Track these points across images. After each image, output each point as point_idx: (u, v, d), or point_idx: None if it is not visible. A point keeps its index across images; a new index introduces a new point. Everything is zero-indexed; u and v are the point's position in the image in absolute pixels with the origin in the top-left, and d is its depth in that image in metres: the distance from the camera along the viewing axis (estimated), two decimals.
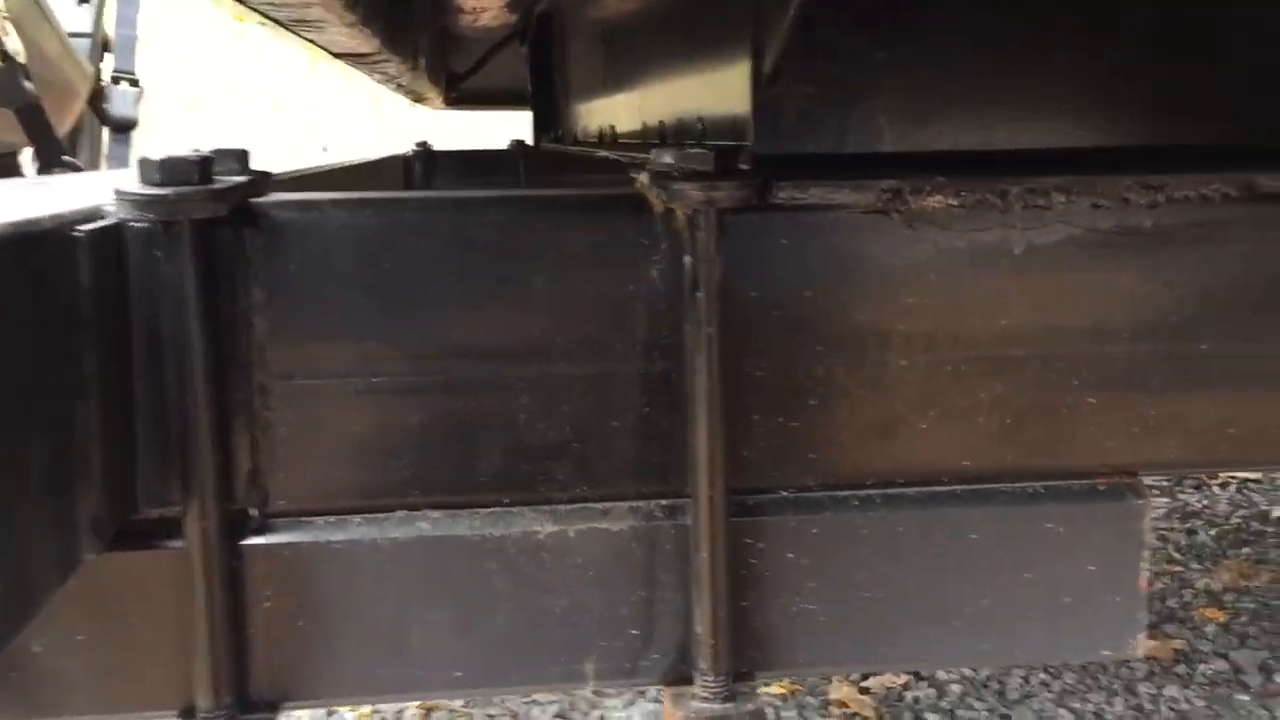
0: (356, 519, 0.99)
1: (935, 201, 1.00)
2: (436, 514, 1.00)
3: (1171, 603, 2.94)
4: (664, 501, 1.02)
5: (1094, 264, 1.03)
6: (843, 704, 2.55)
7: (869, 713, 2.52)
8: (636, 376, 1.00)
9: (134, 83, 3.64)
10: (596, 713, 2.50)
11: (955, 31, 1.04)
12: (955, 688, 2.59)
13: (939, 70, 1.05)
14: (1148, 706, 2.50)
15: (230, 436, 0.95)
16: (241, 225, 0.94)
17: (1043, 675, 2.63)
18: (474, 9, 2.45)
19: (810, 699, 2.59)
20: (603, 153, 2.50)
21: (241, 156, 1.03)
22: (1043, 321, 1.03)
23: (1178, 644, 2.72)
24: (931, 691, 2.58)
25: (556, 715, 2.50)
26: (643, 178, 1.02)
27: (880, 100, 1.05)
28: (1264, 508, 3.45)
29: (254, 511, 0.97)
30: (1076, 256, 1.02)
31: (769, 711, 2.56)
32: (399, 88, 3.07)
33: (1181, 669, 2.64)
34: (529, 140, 4.02)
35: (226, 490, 0.95)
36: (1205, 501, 3.54)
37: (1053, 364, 1.03)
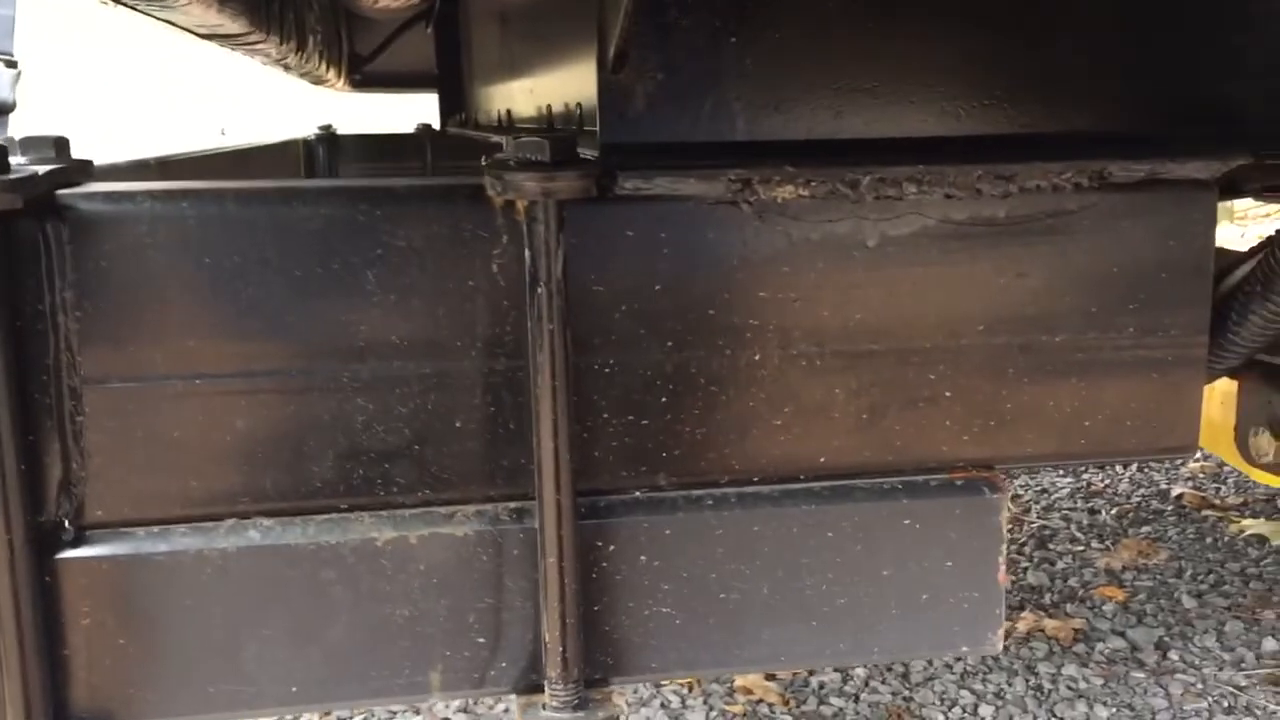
0: (181, 529, 0.94)
1: (785, 192, 0.97)
2: (268, 522, 0.95)
3: (1073, 582, 2.98)
4: (512, 504, 0.99)
5: (948, 255, 1.01)
6: (748, 691, 2.55)
7: (774, 699, 2.51)
8: (480, 375, 0.96)
9: (11, 64, 3.48)
10: (501, 705, 2.47)
11: (809, 16, 1.02)
12: (860, 671, 2.60)
13: (793, 56, 1.02)
14: (1047, 686, 2.53)
15: (38, 443, 0.89)
16: (45, 218, 0.88)
17: (946, 657, 2.66)
18: None
19: (716, 686, 2.58)
20: (496, 138, 2.44)
21: (60, 144, 0.97)
22: (897, 314, 1.01)
23: (1077, 623, 2.76)
24: (836, 676, 2.59)
25: (460, 709, 2.46)
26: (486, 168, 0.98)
27: (732, 86, 1.02)
28: (1164, 486, 3.52)
29: (67, 523, 0.92)
30: (930, 248, 1.01)
31: (675, 700, 2.55)
32: (287, 70, 2.98)
33: (1081, 648, 2.68)
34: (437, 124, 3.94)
35: (34, 501, 0.89)
36: (1107, 481, 3.60)
37: (908, 358, 1.02)
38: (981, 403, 1.03)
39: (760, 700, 2.55)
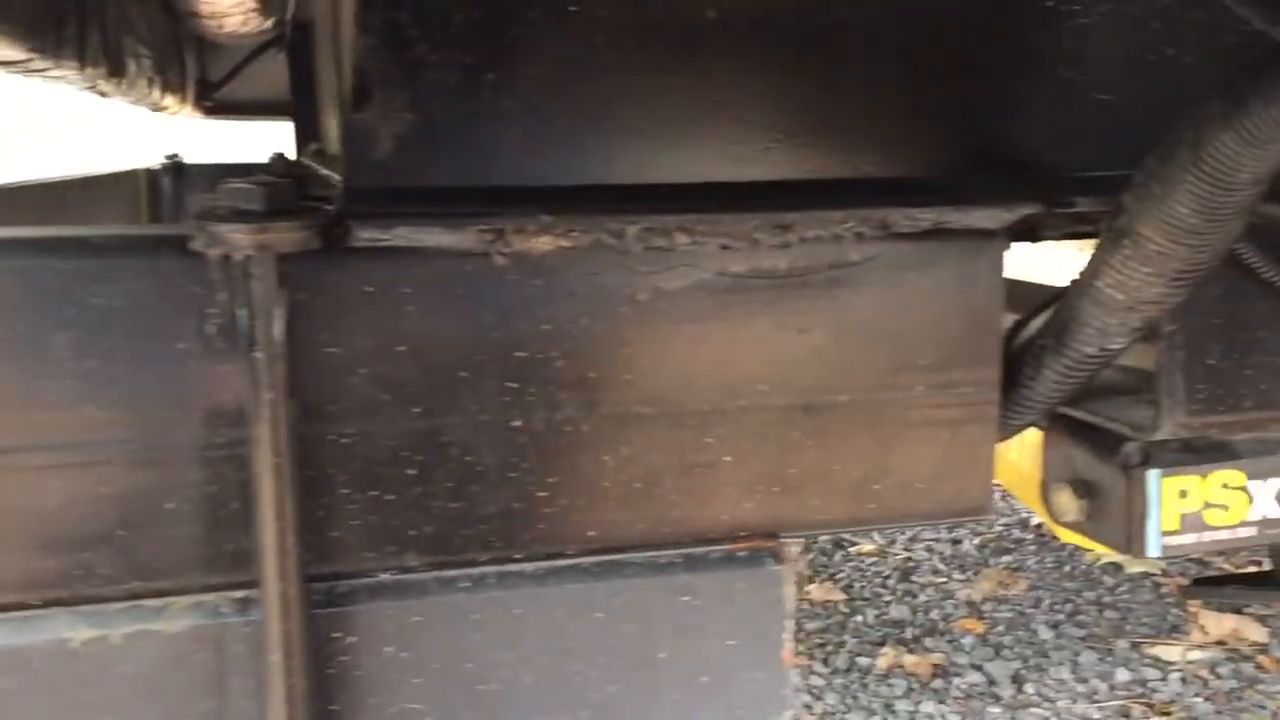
0: None
1: (543, 243, 0.88)
2: None
3: (934, 615, 2.96)
4: (237, 594, 0.87)
5: (725, 310, 0.93)
6: None
7: None
8: (195, 450, 0.85)
9: None
10: None
11: (572, 52, 0.93)
12: None
13: (557, 94, 0.93)
14: None
15: None
16: None
17: (804, 696, 2.60)
18: (212, 14, 2.24)
19: None
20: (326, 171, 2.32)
21: None
22: (671, 374, 0.93)
23: (936, 658, 2.72)
24: None
25: None
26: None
27: (492, 127, 0.92)
28: (1025, 514, 3.53)
29: None
30: (705, 302, 0.93)
31: None
32: (104, 96, 2.80)
33: (939, 683, 2.64)
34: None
35: None
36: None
37: (684, 421, 0.93)
38: (764, 468, 0.95)
39: None
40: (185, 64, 3.20)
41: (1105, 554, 3.21)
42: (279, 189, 0.81)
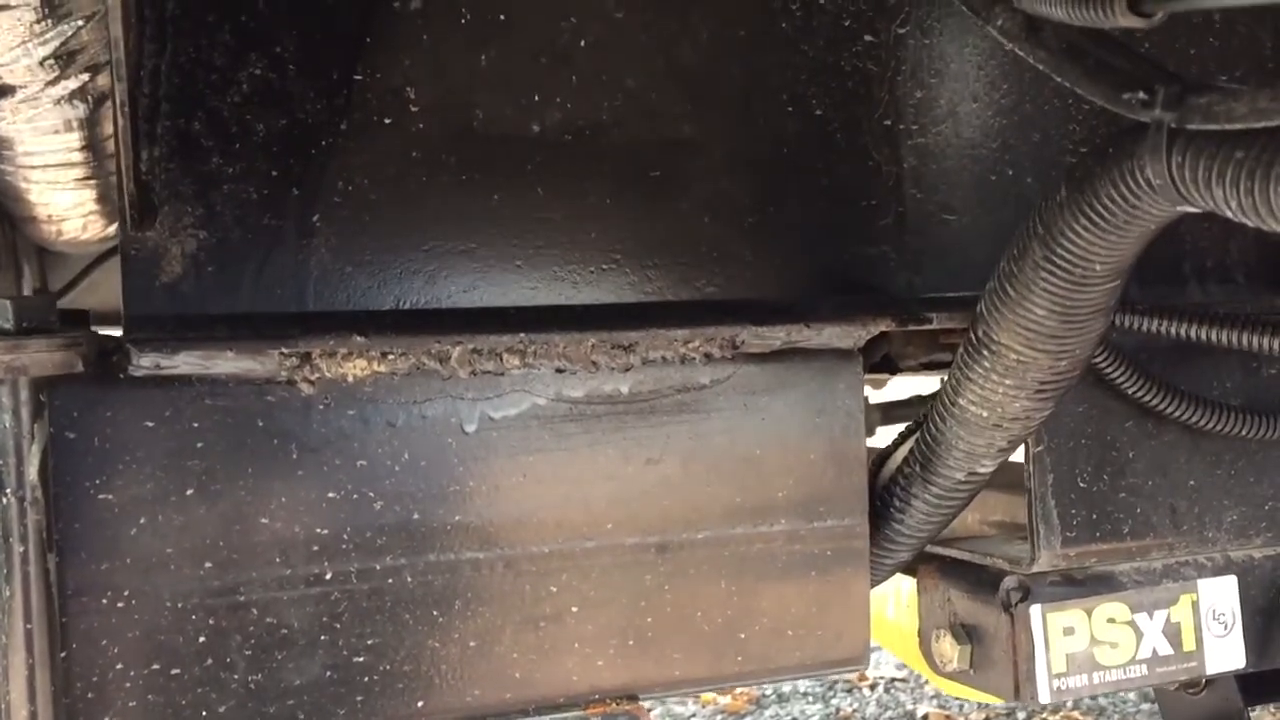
0: None
1: (356, 368, 0.84)
2: None
3: None
4: None
5: (564, 440, 0.90)
6: None
7: None
8: None
9: None
10: None
11: (387, 165, 0.91)
12: None
13: (371, 210, 0.91)
14: None
15: None
16: None
17: None
18: (49, 217, 2.17)
19: None
20: None
21: None
22: (507, 514, 0.88)
23: None
24: None
25: None
26: None
27: (298, 246, 0.89)
28: (910, 706, 3.49)
29: None
30: (541, 432, 0.89)
31: None
32: None
33: None
34: None
35: None
36: (855, 705, 3.55)
37: (521, 567, 0.88)
38: (616, 618, 0.90)
39: None
40: (22, 272, 3.09)
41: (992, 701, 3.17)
42: (31, 304, 0.75)
